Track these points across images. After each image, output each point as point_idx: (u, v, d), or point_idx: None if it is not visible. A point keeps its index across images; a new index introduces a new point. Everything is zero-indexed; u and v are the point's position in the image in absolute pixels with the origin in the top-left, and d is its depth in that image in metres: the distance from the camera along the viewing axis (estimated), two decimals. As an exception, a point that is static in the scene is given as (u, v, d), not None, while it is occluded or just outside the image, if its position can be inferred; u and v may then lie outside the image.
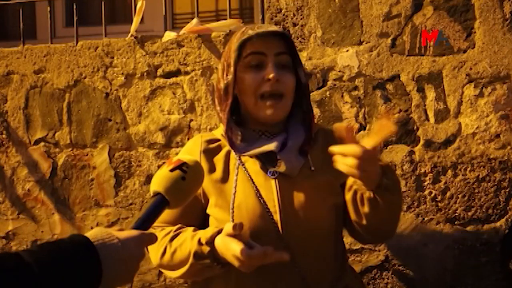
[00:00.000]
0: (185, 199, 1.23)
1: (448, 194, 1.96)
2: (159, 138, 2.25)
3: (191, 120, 2.21)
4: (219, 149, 1.53)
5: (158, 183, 1.19)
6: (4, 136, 2.46)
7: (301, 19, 2.10)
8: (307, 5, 2.09)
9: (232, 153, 1.50)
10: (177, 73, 2.23)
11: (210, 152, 1.51)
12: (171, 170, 1.20)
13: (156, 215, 1.17)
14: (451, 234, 1.96)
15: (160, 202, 1.17)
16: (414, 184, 1.98)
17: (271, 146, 1.46)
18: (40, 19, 3.03)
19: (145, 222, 1.13)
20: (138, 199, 2.29)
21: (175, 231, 1.46)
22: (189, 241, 1.40)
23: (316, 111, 2.07)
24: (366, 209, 1.40)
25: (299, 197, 1.44)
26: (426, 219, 1.98)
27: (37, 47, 2.42)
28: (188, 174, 1.20)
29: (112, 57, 2.31)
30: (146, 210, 1.15)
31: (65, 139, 2.38)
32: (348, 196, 1.44)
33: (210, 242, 1.36)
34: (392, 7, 2.00)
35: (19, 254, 0.91)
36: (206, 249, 1.36)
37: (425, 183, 1.98)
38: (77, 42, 2.36)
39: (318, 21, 2.08)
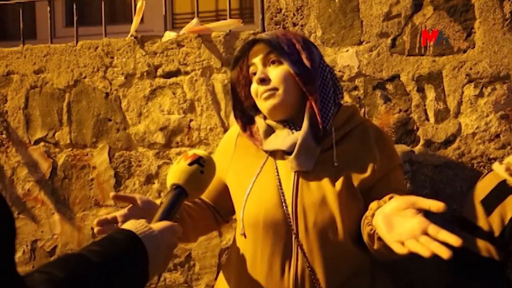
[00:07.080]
0: (202, 191, 1.31)
1: (448, 194, 1.96)
2: (159, 138, 2.25)
3: (191, 120, 2.21)
4: None
5: (177, 177, 1.24)
6: (4, 136, 2.46)
7: (301, 19, 2.10)
8: (307, 5, 2.09)
9: None
10: (177, 73, 2.23)
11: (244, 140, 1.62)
12: (190, 164, 1.25)
13: (178, 206, 1.22)
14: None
15: (180, 195, 1.23)
16: (414, 184, 1.98)
17: (284, 145, 1.50)
18: (40, 19, 3.03)
19: (169, 214, 1.19)
20: (138, 199, 2.29)
21: None
22: None
23: (316, 111, 2.07)
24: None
25: (314, 193, 1.45)
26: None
27: (37, 47, 2.42)
28: (205, 168, 1.26)
29: (112, 57, 2.31)
30: (169, 202, 1.21)
31: (65, 139, 2.37)
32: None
33: None
34: (392, 7, 2.00)
35: (85, 255, 0.97)
36: None
37: (425, 183, 1.98)
38: (77, 42, 2.36)
39: (318, 21, 2.08)
